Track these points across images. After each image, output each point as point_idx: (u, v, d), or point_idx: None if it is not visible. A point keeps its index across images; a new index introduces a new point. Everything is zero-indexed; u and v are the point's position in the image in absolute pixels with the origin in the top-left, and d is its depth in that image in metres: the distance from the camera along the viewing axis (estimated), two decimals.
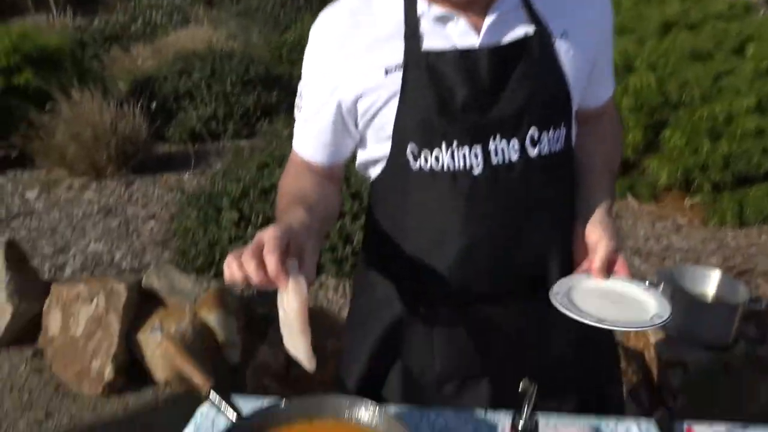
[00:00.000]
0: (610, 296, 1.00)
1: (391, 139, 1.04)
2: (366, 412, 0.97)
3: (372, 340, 1.21)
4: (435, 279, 1.10)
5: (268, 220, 3.22)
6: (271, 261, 0.82)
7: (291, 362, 2.47)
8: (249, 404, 1.15)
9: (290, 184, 1.13)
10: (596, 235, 1.04)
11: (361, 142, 1.12)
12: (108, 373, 2.50)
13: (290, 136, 1.20)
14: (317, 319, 2.51)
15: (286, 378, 2.40)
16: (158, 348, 2.42)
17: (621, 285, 1.03)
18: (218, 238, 3.20)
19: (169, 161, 4.79)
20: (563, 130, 1.05)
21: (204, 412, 1.14)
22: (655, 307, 0.96)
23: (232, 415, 0.97)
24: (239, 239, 3.16)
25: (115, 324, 2.54)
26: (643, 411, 2.19)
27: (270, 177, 3.42)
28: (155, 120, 4.83)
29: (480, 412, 1.12)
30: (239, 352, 2.62)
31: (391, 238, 1.14)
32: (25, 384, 2.61)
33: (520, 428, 0.71)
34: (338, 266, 3.14)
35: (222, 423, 1.11)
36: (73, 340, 2.62)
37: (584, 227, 1.07)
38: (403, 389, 1.20)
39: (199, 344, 2.52)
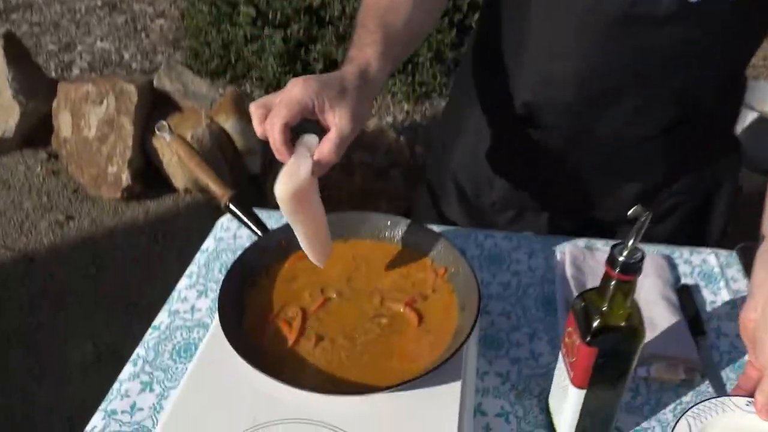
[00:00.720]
0: None
1: None
2: (408, 232, 0.84)
3: (451, 150, 1.08)
4: (526, 99, 0.93)
5: (287, 19, 2.91)
6: (273, 132, 0.65)
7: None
8: (273, 219, 1.03)
9: None
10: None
11: None
12: (125, 178, 2.42)
13: None
14: None
15: None
16: (170, 151, 2.31)
17: None
18: (233, 38, 2.93)
19: None
20: None
21: (224, 224, 1.02)
22: None
23: (256, 229, 0.84)
24: (255, 39, 2.88)
25: (127, 127, 2.39)
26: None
27: None
28: None
29: (534, 237, 0.99)
30: (260, 161, 2.51)
31: (504, 37, 0.95)
32: (43, 186, 2.55)
33: (620, 260, 0.55)
34: None
35: (245, 236, 0.99)
36: (86, 142, 2.50)
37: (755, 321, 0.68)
38: (459, 208, 1.08)
39: (217, 151, 2.39)
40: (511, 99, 0.95)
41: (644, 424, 0.73)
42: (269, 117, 0.65)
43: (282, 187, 0.65)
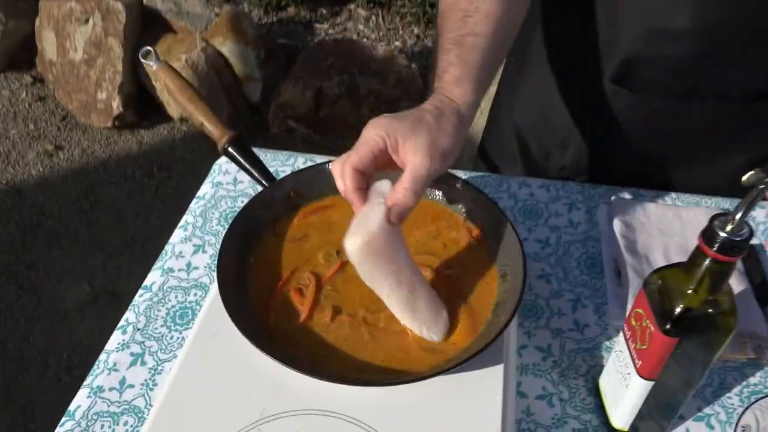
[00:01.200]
0: None
1: None
2: (436, 181, 0.72)
3: (516, 104, 0.96)
4: (627, 56, 0.78)
5: None
6: (344, 178, 0.56)
7: (319, 100, 2.14)
8: (278, 161, 0.91)
9: None
10: None
11: None
12: (116, 105, 2.26)
13: None
14: (349, 53, 2.17)
15: (314, 119, 2.15)
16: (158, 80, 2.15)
17: None
18: None
19: None
20: None
21: (222, 166, 0.90)
22: None
23: (261, 178, 0.72)
24: None
25: (116, 49, 2.22)
26: None
27: None
28: None
29: (575, 186, 0.87)
30: (260, 88, 2.34)
31: None
32: (30, 113, 2.40)
33: (722, 237, 0.44)
34: None
35: (246, 180, 0.88)
36: (73, 65, 2.33)
37: None
38: (523, 167, 0.96)
39: (214, 77, 2.23)
40: (603, 54, 0.80)
41: (707, 410, 0.64)
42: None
43: (349, 242, 0.54)
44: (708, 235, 0.46)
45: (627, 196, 0.85)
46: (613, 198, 0.84)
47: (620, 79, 0.81)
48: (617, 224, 0.80)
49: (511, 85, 0.98)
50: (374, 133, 0.55)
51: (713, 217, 0.46)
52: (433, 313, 0.58)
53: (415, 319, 0.58)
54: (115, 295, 1.74)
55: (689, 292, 0.49)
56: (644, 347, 0.52)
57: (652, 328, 0.51)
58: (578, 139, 0.90)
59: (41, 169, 2.18)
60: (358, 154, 0.55)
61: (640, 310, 0.53)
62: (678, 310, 0.49)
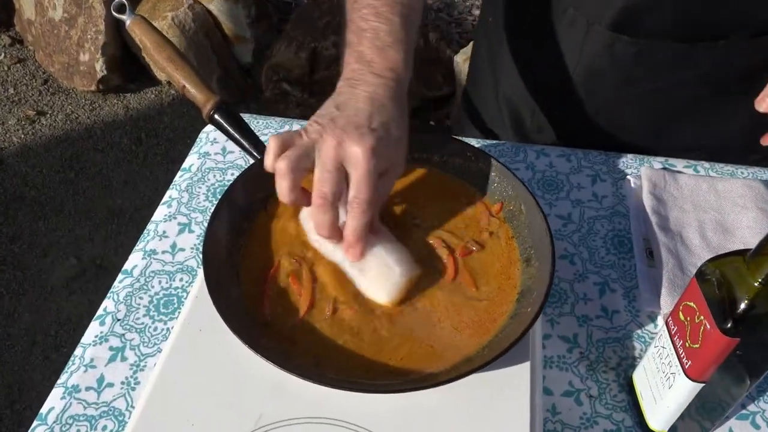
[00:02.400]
0: None
1: None
2: (446, 151, 0.64)
3: (502, 70, 0.88)
4: (626, 4, 0.71)
5: None
6: (284, 184, 0.51)
7: (313, 63, 2.02)
8: (271, 128, 0.82)
9: None
10: None
11: None
12: (99, 67, 2.15)
13: None
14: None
15: (309, 82, 2.05)
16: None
17: None
18: None
19: None
20: None
21: (209, 135, 0.82)
22: None
23: (251, 149, 0.64)
24: None
25: (98, 7, 2.09)
26: None
27: None
28: None
29: (599, 155, 0.80)
30: (252, 49, 2.23)
31: None
32: (9, 76, 2.28)
33: None
34: None
35: (237, 150, 0.80)
36: (52, 25, 2.20)
37: None
38: (515, 136, 0.89)
39: (203, 37, 2.11)
40: (600, 1, 0.72)
41: (751, 407, 0.58)
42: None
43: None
44: None
45: (656, 165, 0.78)
46: (641, 168, 0.76)
47: (620, 26, 0.73)
48: (647, 198, 0.72)
49: (490, 51, 0.89)
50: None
51: None
52: (382, 271, 0.52)
53: (365, 281, 0.53)
54: (103, 269, 1.67)
55: (756, 285, 0.42)
56: (696, 346, 0.45)
57: (708, 326, 0.44)
58: (575, 103, 0.82)
59: (23, 135, 2.07)
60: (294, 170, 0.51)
61: (691, 304, 0.46)
62: (743, 306, 0.42)
